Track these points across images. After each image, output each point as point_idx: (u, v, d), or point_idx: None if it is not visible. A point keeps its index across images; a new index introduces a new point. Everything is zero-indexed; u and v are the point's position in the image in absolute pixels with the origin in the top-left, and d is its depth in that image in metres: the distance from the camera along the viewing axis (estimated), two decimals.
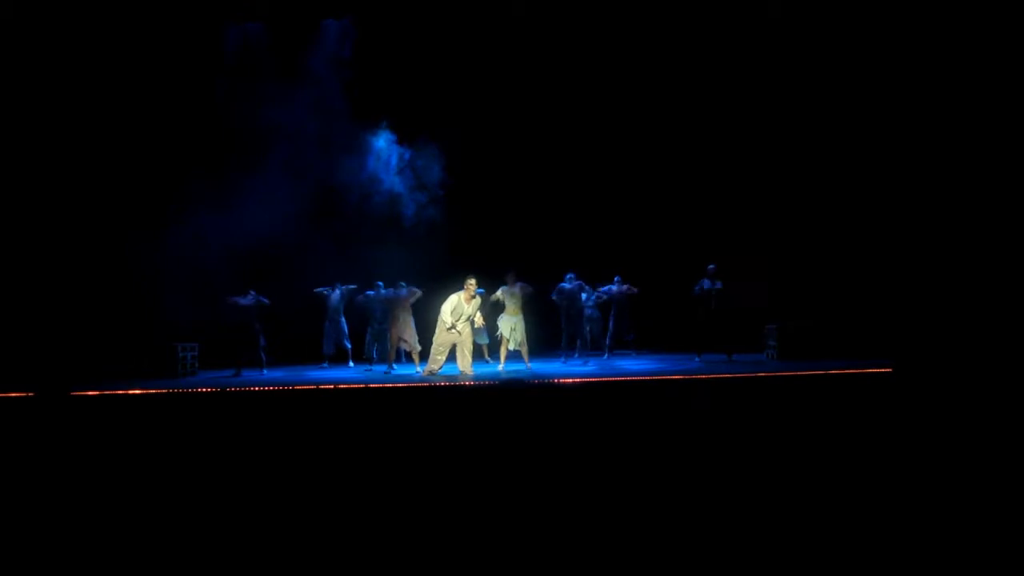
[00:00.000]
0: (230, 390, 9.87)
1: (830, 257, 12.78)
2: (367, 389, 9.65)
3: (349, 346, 12.36)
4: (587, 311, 12.31)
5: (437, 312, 10.87)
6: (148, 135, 12.61)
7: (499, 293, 11.13)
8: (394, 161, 12.79)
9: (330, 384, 10.00)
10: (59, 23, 12.23)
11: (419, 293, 11.35)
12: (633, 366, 11.52)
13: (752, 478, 5.03)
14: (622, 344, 12.85)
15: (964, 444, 5.79)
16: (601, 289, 12.40)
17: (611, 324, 12.53)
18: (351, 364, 12.50)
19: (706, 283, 11.75)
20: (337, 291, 12.18)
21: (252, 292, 11.58)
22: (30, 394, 9.53)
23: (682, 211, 13.78)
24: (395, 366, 11.81)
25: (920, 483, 4.78)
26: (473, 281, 10.66)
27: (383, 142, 12.75)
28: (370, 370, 11.90)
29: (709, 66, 13.21)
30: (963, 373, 9.20)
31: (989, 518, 4.02)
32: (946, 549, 3.62)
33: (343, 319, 12.27)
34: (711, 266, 11.79)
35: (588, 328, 12.40)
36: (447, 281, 11.90)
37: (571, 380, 9.53)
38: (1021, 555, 3.50)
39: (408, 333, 11.39)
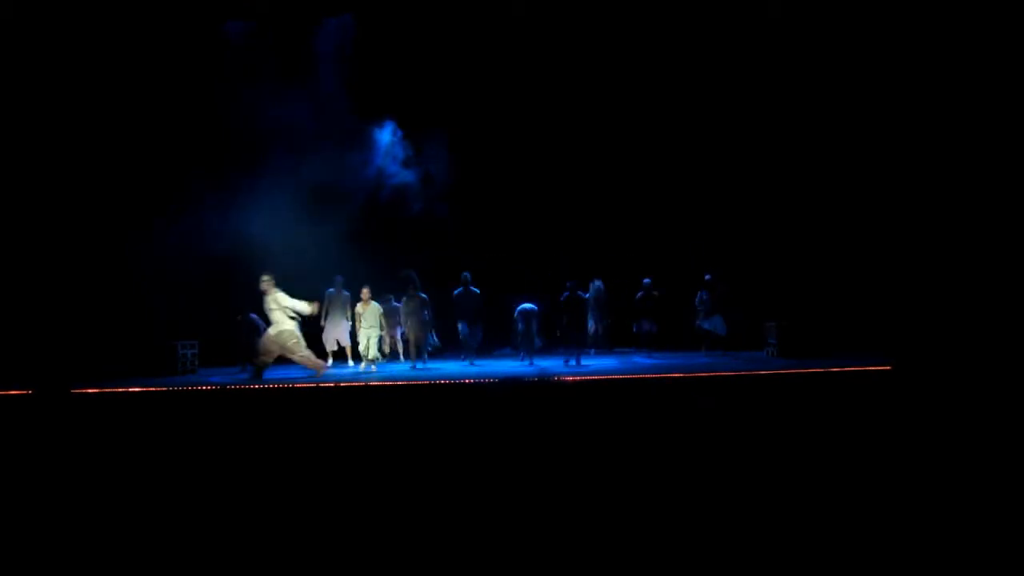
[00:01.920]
0: (230, 388, 9.86)
1: (830, 255, 12.79)
2: (367, 387, 9.65)
3: (350, 343, 12.33)
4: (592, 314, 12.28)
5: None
6: (148, 134, 12.59)
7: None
8: (396, 157, 12.81)
9: (330, 383, 9.99)
10: (59, 22, 12.21)
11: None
12: (634, 363, 11.56)
13: (752, 475, 5.03)
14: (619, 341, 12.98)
15: (963, 441, 5.80)
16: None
17: (644, 324, 12.63)
18: (351, 363, 12.49)
19: (704, 294, 12.48)
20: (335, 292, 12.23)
21: (253, 315, 11.82)
22: (29, 392, 9.51)
23: (684, 208, 13.78)
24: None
25: (920, 480, 4.79)
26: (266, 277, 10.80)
27: (384, 139, 12.75)
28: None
29: (709, 64, 13.21)
30: (962, 371, 9.22)
31: (989, 515, 4.03)
32: (946, 546, 3.62)
33: (343, 320, 12.25)
34: (707, 276, 12.36)
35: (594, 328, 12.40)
36: (447, 277, 11.93)
37: (571, 378, 9.55)
38: (1021, 554, 3.50)
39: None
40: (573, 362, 11.59)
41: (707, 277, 12.44)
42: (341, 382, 10.02)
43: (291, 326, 10.76)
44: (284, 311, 10.70)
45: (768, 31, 12.71)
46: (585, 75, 13.44)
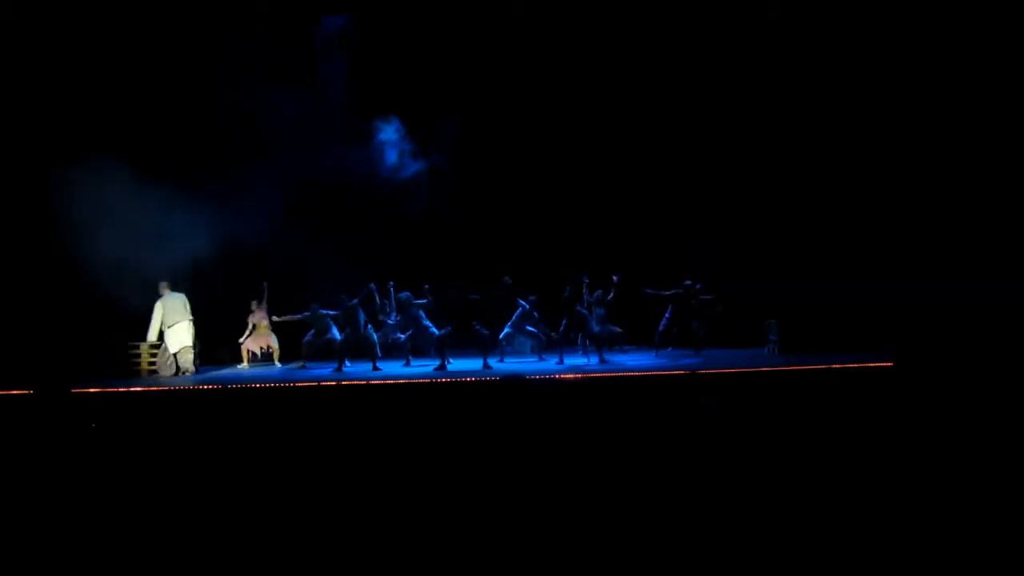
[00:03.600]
0: (230, 388, 9.85)
1: (831, 252, 12.80)
2: (368, 386, 9.64)
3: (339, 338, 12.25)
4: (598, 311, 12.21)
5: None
6: (149, 133, 12.57)
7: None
8: (401, 154, 12.83)
9: (332, 381, 9.98)
10: (59, 20, 12.20)
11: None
12: (630, 362, 11.55)
13: (754, 472, 5.02)
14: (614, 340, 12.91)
15: (964, 438, 5.80)
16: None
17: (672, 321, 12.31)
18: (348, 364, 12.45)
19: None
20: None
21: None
22: (29, 392, 9.48)
23: (683, 205, 13.78)
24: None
25: (921, 477, 4.78)
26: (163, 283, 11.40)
27: (387, 136, 12.76)
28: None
29: (712, 62, 13.22)
30: (963, 367, 9.22)
31: (989, 512, 4.02)
32: (946, 544, 3.61)
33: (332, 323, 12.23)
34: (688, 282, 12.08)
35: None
36: (445, 275, 11.95)
37: (572, 375, 9.55)
38: (1021, 551, 3.48)
39: None
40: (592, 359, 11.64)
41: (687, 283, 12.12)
42: (342, 381, 10.01)
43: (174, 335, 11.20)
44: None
45: (768, 31, 12.72)
46: (588, 75, 13.44)
